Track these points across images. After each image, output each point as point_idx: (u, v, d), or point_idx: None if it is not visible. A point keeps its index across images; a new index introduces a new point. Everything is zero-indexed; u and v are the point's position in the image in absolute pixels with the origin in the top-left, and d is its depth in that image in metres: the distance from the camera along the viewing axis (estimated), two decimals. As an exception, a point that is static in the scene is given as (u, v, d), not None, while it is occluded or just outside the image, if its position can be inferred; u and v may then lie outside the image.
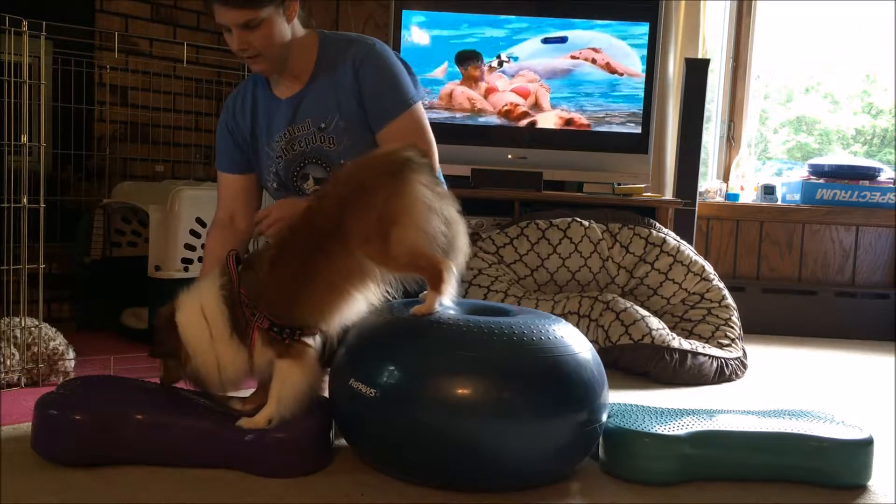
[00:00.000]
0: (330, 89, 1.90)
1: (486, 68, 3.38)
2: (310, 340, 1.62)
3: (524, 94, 3.39)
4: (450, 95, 3.40)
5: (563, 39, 3.38)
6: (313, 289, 1.56)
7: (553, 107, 3.40)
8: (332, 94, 1.89)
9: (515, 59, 3.40)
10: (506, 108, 3.36)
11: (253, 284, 1.60)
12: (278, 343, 1.59)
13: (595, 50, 3.37)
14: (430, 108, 3.42)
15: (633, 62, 3.36)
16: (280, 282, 1.58)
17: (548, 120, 3.40)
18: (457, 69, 3.41)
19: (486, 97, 3.43)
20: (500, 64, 3.34)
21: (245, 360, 1.62)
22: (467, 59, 3.45)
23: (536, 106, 3.41)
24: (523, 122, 3.44)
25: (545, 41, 3.39)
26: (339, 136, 1.89)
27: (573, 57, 3.37)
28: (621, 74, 3.40)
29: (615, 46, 3.40)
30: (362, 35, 1.98)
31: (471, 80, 3.43)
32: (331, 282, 1.55)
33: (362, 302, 1.60)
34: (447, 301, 1.58)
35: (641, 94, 3.38)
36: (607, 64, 3.33)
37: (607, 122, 3.35)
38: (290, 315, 1.58)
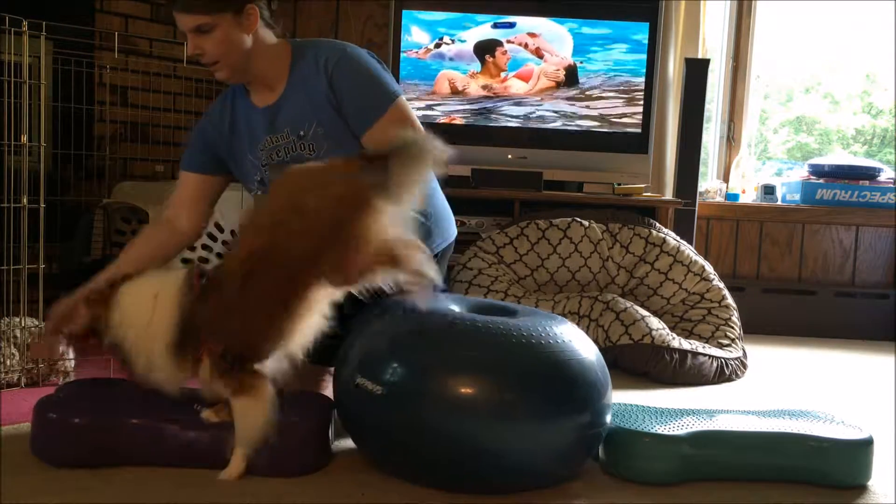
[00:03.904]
0: (305, 98, 1.89)
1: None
2: (262, 368, 1.55)
3: (526, 78, 3.41)
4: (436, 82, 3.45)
5: (511, 24, 3.43)
6: (274, 313, 1.48)
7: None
8: (307, 102, 1.88)
9: (463, 41, 3.44)
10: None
11: (216, 307, 1.50)
12: (229, 375, 1.51)
13: (532, 35, 3.41)
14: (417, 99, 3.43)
15: (565, 49, 3.40)
16: (247, 307, 1.49)
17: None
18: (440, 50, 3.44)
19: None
20: (438, 46, 3.38)
21: (180, 376, 1.54)
22: (485, 50, 3.46)
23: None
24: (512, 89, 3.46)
25: (494, 26, 3.44)
26: (319, 143, 1.88)
27: (508, 41, 3.42)
28: (543, 59, 3.44)
29: (553, 32, 3.43)
30: (333, 41, 1.96)
31: (491, 71, 3.44)
32: (291, 303, 1.48)
33: (322, 314, 1.54)
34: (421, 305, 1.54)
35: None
36: (537, 49, 3.39)
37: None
38: (252, 343, 1.51)
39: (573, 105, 3.46)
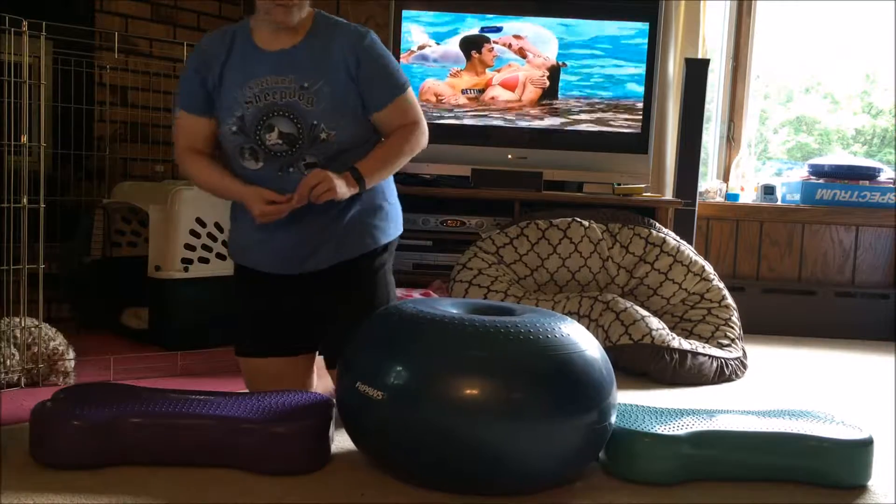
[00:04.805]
0: (322, 55, 1.96)
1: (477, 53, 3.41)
2: None
3: (511, 87, 3.40)
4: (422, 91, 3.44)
5: (497, 29, 3.43)
6: None
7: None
8: (323, 60, 1.95)
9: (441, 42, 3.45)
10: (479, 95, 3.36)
11: None
12: None
13: (518, 37, 3.40)
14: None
15: (550, 51, 3.38)
16: None
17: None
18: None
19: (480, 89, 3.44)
20: (421, 48, 3.38)
21: None
22: (472, 45, 3.44)
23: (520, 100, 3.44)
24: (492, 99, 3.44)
25: (482, 30, 3.43)
26: (321, 99, 1.93)
27: (494, 42, 3.42)
28: (527, 59, 3.43)
29: (539, 35, 3.41)
30: (354, 24, 2.04)
31: (477, 68, 3.43)
32: None
33: None
34: None
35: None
36: (521, 49, 3.36)
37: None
38: None
39: (561, 116, 3.46)
